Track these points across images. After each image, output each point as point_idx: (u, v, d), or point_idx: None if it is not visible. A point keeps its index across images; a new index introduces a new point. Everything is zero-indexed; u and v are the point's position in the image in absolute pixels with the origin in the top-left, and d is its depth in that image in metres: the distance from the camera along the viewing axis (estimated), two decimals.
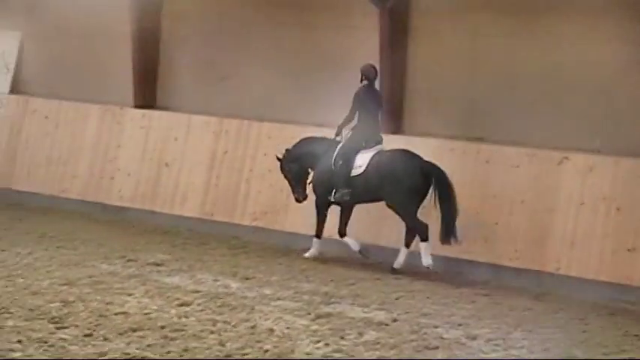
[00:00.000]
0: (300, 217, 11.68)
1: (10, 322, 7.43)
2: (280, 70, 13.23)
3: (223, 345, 7.41)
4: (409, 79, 12.28)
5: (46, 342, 7.02)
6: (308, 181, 11.54)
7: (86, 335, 7.29)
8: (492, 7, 11.69)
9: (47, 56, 14.80)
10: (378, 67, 11.48)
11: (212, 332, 7.75)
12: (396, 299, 9.61)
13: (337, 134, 11.40)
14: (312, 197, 11.45)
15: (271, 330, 7.98)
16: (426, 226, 10.61)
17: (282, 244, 12.06)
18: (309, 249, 11.44)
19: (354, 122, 11.32)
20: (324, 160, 11.27)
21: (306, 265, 11.03)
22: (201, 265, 10.58)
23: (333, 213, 11.35)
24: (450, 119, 11.94)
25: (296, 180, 11.57)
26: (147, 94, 13.93)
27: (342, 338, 7.93)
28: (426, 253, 10.56)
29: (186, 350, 7.17)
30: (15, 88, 14.99)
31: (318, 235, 11.37)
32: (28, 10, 14.85)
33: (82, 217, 13.25)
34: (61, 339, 7.14)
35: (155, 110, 13.80)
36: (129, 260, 10.46)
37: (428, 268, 10.59)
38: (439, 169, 10.71)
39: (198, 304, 8.65)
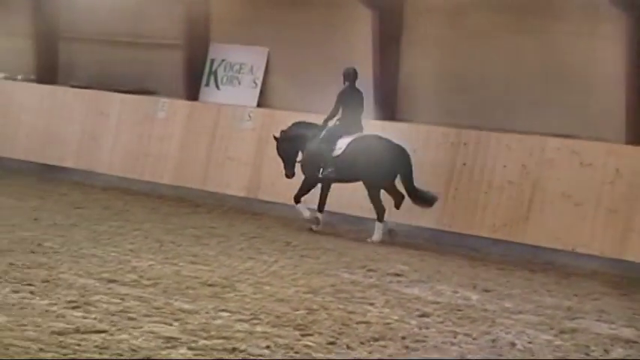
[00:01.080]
0: (542, 229, 11.44)
1: (259, 328, 7.70)
2: (520, 79, 13.05)
3: (464, 357, 7.39)
4: None
5: (292, 348, 7.21)
6: (298, 159, 13.05)
7: (330, 343, 7.44)
8: None
9: (291, 71, 15.29)
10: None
11: (453, 344, 7.73)
12: None
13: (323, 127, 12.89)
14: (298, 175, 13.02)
15: (513, 344, 7.87)
16: (384, 209, 12.38)
17: (522, 256, 11.88)
18: (549, 263, 11.24)
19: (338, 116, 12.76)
20: (312, 143, 12.81)
21: (547, 279, 10.83)
22: (440, 276, 10.59)
23: None
24: None
25: (288, 159, 13.19)
26: (386, 106, 14.12)
27: (587, 355, 7.73)
28: (378, 231, 12.40)
29: None
30: (262, 102, 15.62)
31: (297, 200, 13.15)
32: (276, 26, 15.43)
33: (323, 227, 13.57)
34: (306, 346, 7.32)
35: (394, 122, 13.96)
36: (369, 270, 10.60)
37: (372, 241, 12.31)
38: (405, 150, 12.36)
39: (438, 316, 8.67)
